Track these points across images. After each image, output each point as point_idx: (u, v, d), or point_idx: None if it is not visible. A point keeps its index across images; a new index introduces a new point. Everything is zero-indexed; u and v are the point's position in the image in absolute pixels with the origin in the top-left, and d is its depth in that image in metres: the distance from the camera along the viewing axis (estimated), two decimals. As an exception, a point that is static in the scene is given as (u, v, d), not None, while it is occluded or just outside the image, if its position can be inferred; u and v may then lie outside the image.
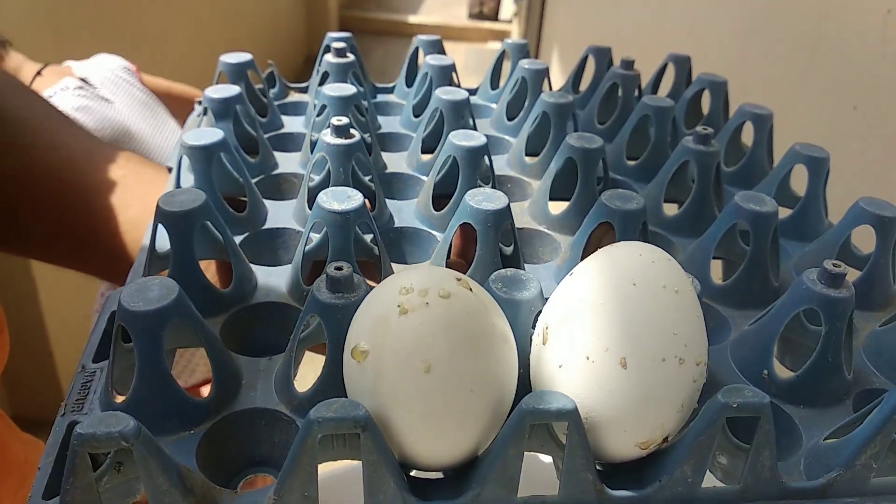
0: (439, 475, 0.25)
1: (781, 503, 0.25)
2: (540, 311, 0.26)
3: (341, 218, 0.30)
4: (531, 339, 0.26)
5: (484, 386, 0.22)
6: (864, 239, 0.35)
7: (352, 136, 0.35)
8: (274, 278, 0.33)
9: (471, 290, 0.23)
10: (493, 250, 0.31)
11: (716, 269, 0.35)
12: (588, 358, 0.23)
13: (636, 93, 0.47)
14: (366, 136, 0.41)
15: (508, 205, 0.31)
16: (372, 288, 0.25)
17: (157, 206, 0.30)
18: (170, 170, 0.42)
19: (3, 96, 0.43)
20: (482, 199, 0.31)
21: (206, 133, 0.35)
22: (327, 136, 0.35)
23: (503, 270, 0.27)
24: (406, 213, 0.38)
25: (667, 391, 0.23)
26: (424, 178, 0.41)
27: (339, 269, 0.25)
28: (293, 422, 0.26)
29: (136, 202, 0.42)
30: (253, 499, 0.23)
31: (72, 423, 0.25)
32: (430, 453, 0.23)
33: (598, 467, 0.24)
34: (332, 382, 0.25)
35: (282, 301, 0.31)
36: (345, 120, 0.35)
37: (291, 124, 0.47)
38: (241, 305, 0.31)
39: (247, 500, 0.23)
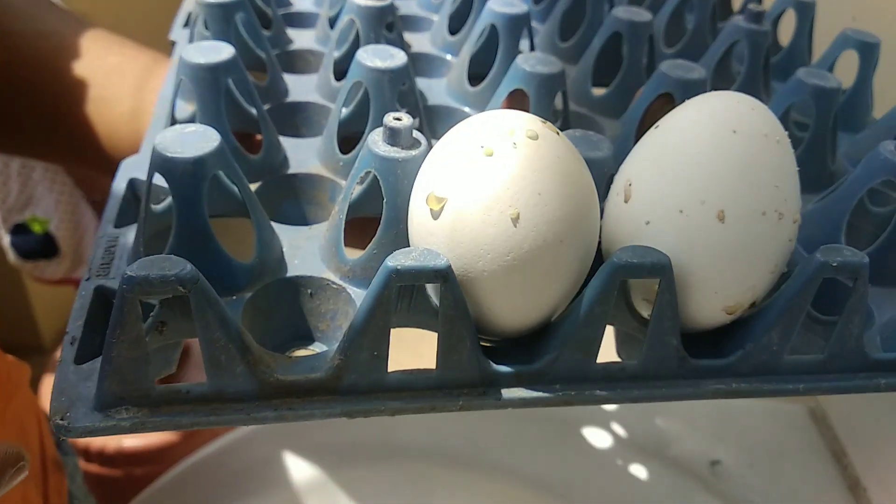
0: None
1: (863, 375, 0.24)
2: (613, 175, 0.24)
3: (384, 76, 0.27)
4: (602, 204, 0.24)
5: (573, 237, 0.20)
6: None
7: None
8: (301, 151, 0.30)
9: (558, 133, 0.21)
10: (547, 119, 0.29)
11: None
12: (682, 212, 0.21)
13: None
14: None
15: (563, 70, 0.29)
16: (431, 145, 0.23)
17: (181, 60, 0.27)
18: (173, 44, 0.38)
19: None
20: (535, 62, 0.29)
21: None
22: (358, -2, 0.32)
23: (572, 130, 0.25)
24: (436, 90, 0.35)
25: (764, 249, 0.21)
26: (450, 57, 0.38)
27: (399, 119, 0.23)
28: (343, 290, 0.24)
29: (133, 93, 0.39)
30: (310, 364, 0.21)
31: (98, 286, 0.23)
32: (509, 312, 0.21)
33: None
34: (389, 245, 0.23)
35: (314, 172, 0.29)
36: (377, -20, 0.32)
37: (300, 3, 0.43)
38: (271, 175, 0.28)
39: (304, 365, 0.21)
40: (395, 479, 0.39)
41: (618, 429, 0.40)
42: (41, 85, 0.39)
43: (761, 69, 0.35)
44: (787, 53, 0.40)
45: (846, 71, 0.38)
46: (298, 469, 0.39)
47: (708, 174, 0.21)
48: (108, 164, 0.40)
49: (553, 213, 0.19)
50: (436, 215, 0.20)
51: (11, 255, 0.93)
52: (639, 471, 0.40)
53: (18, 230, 0.91)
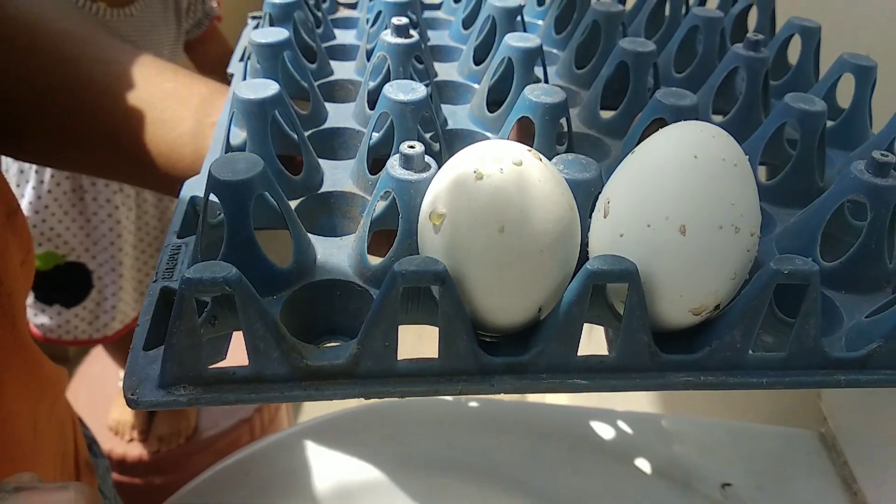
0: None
1: (823, 372, 0.26)
2: (599, 193, 0.28)
3: (406, 108, 0.31)
4: (590, 218, 0.27)
5: (551, 247, 0.24)
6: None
7: (411, 37, 0.36)
8: (338, 172, 0.35)
9: (540, 160, 0.24)
10: (551, 143, 0.32)
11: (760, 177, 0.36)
12: (649, 226, 0.24)
13: (683, 10, 0.47)
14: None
15: (566, 99, 0.32)
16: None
17: (234, 95, 0.31)
18: (231, 76, 0.43)
19: (42, 7, 0.43)
20: (540, 93, 0.32)
21: (272, 32, 0.37)
22: (387, 36, 0.36)
23: (564, 154, 0.29)
24: (460, 116, 0.39)
25: (722, 258, 0.24)
26: (476, 85, 0.42)
27: (412, 147, 0.27)
28: (366, 291, 0.28)
29: (189, 117, 0.43)
30: (336, 353, 0.25)
31: (164, 287, 0.27)
32: (499, 310, 0.25)
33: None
34: (404, 253, 0.27)
35: (347, 191, 0.33)
36: (405, 20, 0.36)
37: (343, 37, 0.48)
38: (310, 193, 0.33)
39: (331, 353, 0.25)
40: (411, 491, 0.41)
41: (631, 448, 0.43)
42: (101, 108, 0.43)
43: (760, 93, 0.38)
44: (793, 76, 0.43)
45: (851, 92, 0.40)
46: (318, 480, 0.42)
47: (671, 194, 0.24)
48: (166, 182, 0.44)
49: (533, 227, 0.23)
50: (437, 229, 0.24)
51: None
52: (650, 491, 0.42)
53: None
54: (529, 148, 0.25)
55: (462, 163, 0.24)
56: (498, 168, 0.23)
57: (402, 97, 0.31)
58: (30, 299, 0.98)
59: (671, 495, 0.40)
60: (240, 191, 0.26)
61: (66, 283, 0.97)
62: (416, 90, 0.32)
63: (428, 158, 0.27)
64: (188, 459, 1.05)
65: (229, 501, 0.42)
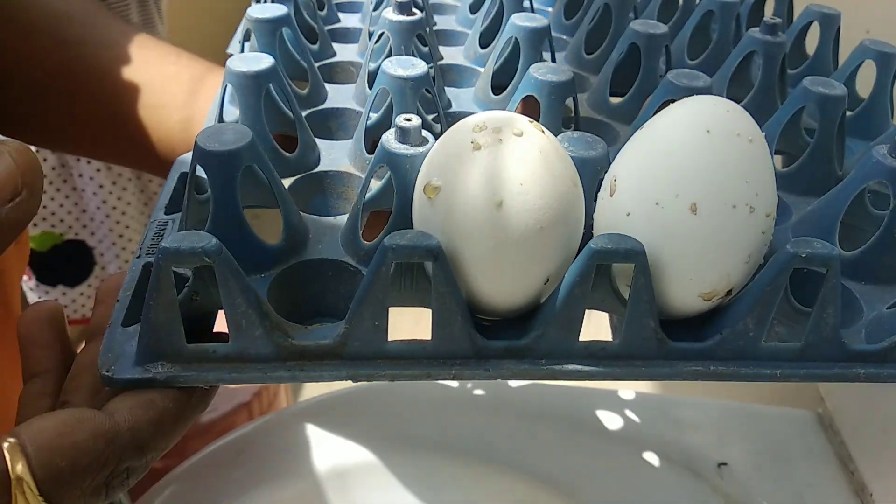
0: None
1: (841, 365, 0.25)
2: (605, 173, 0.26)
3: (406, 83, 0.30)
4: (596, 198, 0.26)
5: (553, 225, 0.22)
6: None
7: (414, 14, 0.35)
8: (335, 151, 0.33)
9: (543, 132, 0.23)
10: (557, 125, 0.31)
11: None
12: (658, 204, 0.23)
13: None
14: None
15: (573, 79, 0.31)
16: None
17: (227, 68, 0.30)
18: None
19: None
20: (546, 71, 0.31)
21: (270, 8, 0.35)
22: (389, 14, 0.35)
23: (569, 132, 0.27)
24: (463, 98, 0.38)
25: (735, 239, 0.23)
26: (481, 69, 0.40)
27: (409, 119, 0.25)
28: (359, 272, 0.27)
29: (189, 102, 0.42)
30: (323, 333, 0.24)
31: (146, 263, 0.26)
32: (497, 292, 0.23)
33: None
34: (399, 230, 0.25)
35: (343, 170, 0.32)
36: (408, -3, 0.35)
37: (347, 20, 0.47)
38: (305, 172, 0.32)
39: (318, 333, 0.24)
40: (405, 472, 0.40)
41: (625, 428, 0.41)
42: (101, 92, 0.42)
43: (776, 79, 0.36)
44: (811, 63, 0.41)
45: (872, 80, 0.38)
46: (312, 460, 0.41)
47: (682, 170, 0.22)
48: (166, 167, 0.43)
49: (534, 201, 0.22)
50: (432, 202, 0.23)
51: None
52: (646, 471, 0.41)
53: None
54: (531, 119, 0.23)
55: (459, 132, 0.23)
56: (497, 139, 0.22)
57: (401, 72, 0.30)
58: (32, 282, 0.97)
59: (668, 475, 0.39)
60: (227, 162, 0.25)
61: (67, 263, 0.96)
62: (415, 66, 0.31)
63: (425, 133, 0.26)
64: (186, 443, 1.03)
65: (222, 481, 0.42)
